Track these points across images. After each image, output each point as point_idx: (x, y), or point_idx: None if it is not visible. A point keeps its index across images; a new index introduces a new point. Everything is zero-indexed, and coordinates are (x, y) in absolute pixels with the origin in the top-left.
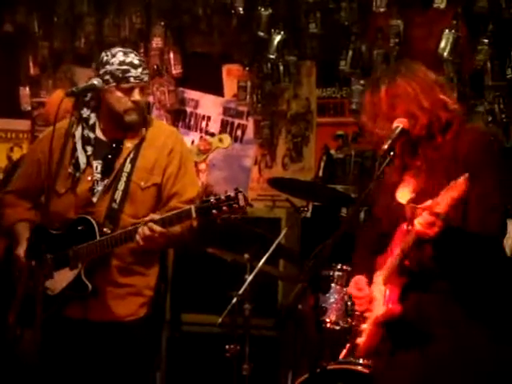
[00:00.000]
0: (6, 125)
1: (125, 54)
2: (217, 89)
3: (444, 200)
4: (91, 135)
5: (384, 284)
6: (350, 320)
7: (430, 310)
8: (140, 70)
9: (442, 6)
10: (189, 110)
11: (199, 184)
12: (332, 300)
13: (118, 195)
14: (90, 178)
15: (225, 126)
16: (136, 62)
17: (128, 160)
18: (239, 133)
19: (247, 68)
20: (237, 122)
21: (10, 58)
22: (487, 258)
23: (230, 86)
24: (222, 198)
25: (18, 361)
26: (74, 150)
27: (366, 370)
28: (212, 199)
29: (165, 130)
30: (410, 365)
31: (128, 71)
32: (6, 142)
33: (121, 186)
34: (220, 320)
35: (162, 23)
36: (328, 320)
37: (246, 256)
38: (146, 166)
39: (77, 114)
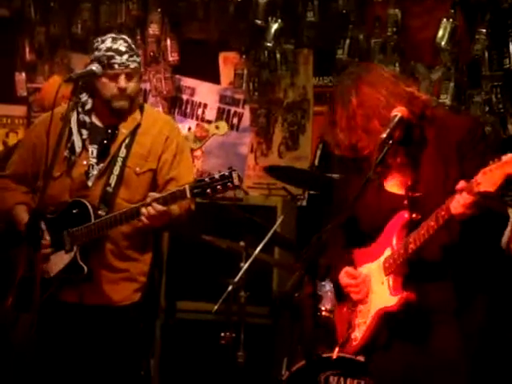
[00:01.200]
0: (1, 110)
1: (114, 40)
2: (213, 76)
3: (490, 178)
4: (87, 119)
5: (387, 274)
6: None
7: (432, 298)
8: (126, 56)
9: None
10: (185, 97)
11: (195, 172)
12: (327, 288)
13: (113, 180)
14: (85, 162)
15: (221, 114)
16: (122, 48)
17: (123, 145)
18: (235, 121)
19: (244, 56)
20: (233, 109)
21: (6, 43)
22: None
23: (226, 73)
24: (216, 177)
25: (12, 346)
26: (70, 134)
27: (361, 358)
28: (206, 178)
29: (161, 117)
30: (408, 356)
31: (113, 57)
32: (1, 127)
33: (116, 170)
34: (216, 308)
35: (159, 10)
36: (323, 308)
37: (242, 244)
38: (142, 152)
39: (75, 99)
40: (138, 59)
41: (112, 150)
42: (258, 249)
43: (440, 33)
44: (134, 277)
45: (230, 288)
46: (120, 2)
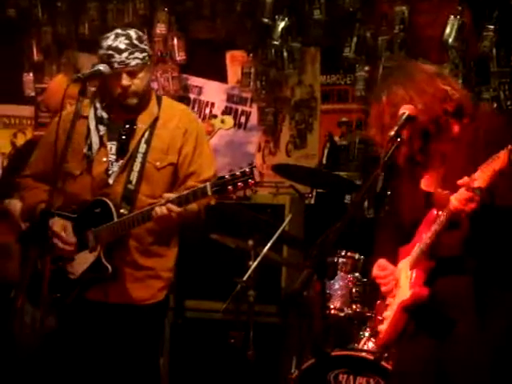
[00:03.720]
0: (9, 111)
1: (116, 37)
2: (220, 75)
3: (484, 174)
4: (104, 115)
5: (411, 269)
6: (354, 306)
7: (461, 292)
8: (125, 54)
9: None
10: (192, 96)
11: (216, 163)
12: (337, 286)
13: (134, 176)
14: (104, 159)
15: (228, 113)
16: (122, 46)
17: (143, 141)
18: (243, 119)
19: (251, 54)
20: (240, 108)
21: (13, 43)
22: None
23: (233, 72)
24: (238, 173)
25: (16, 344)
26: (88, 131)
27: (370, 357)
28: (227, 176)
29: (179, 109)
30: (430, 349)
31: (112, 56)
32: (9, 127)
33: (136, 166)
34: (224, 306)
35: (166, 9)
36: (332, 306)
37: (250, 242)
38: (161, 146)
39: (82, 99)
40: (141, 55)
41: (131, 145)
42: (267, 247)
43: (447, 30)
44: (159, 274)
45: (238, 287)
46: (127, 2)
